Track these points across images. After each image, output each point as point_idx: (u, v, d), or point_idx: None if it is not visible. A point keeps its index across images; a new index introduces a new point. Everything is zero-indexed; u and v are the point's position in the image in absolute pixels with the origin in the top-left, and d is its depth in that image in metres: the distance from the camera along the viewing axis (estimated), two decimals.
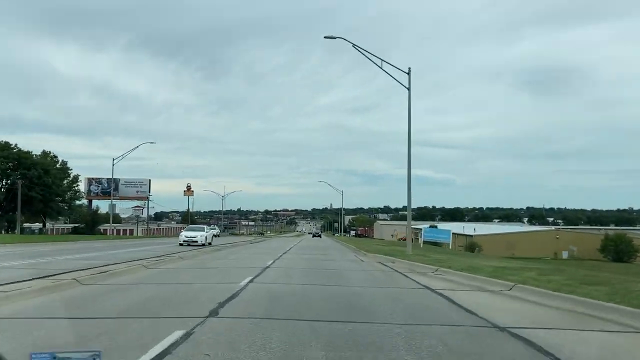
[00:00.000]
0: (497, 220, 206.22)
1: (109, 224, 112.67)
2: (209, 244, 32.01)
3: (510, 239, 79.71)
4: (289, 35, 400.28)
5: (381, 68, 22.15)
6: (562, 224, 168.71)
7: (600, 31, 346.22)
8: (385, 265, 17.71)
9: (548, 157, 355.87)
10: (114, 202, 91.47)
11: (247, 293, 9.26)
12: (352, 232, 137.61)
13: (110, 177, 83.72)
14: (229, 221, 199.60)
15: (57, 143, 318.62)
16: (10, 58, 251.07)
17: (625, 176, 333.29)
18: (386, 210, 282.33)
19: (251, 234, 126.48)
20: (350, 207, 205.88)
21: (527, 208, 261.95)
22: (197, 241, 29.85)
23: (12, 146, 65.48)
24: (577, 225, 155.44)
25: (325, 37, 22.28)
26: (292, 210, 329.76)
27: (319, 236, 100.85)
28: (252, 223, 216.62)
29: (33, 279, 10.15)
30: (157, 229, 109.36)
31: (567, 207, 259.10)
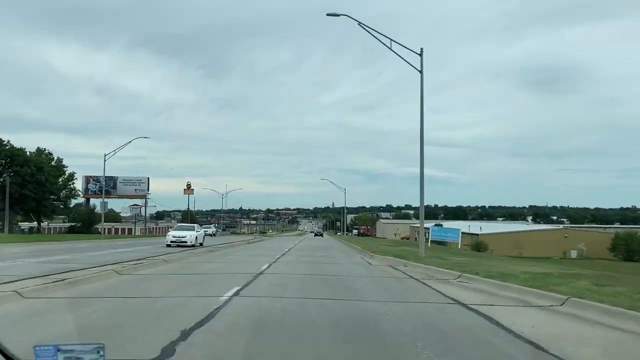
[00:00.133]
0: (500, 219, 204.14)
1: (105, 223, 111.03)
2: (200, 244, 29.53)
3: (517, 237, 77.63)
4: (291, 33, 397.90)
5: (390, 48, 19.90)
6: (567, 222, 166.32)
7: (601, 29, 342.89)
8: (397, 270, 15.44)
9: (550, 155, 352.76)
10: (113, 200, 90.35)
11: (225, 315, 7.00)
12: (355, 231, 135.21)
13: (109, 175, 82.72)
14: (231, 220, 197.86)
15: (58, 142, 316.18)
16: (11, 57, 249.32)
17: (628, 174, 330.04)
18: (388, 208, 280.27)
19: (252, 233, 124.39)
20: (353, 206, 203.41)
21: (530, 206, 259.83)
22: (186, 241, 27.29)
23: (4, 143, 63.36)
24: (582, 223, 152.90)
25: (327, 15, 20.03)
26: (294, 209, 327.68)
27: (321, 235, 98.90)
28: (254, 222, 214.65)
29: None
30: (155, 227, 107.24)
31: (569, 206, 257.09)
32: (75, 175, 76.16)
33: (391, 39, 19.96)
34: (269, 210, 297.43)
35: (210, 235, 62.56)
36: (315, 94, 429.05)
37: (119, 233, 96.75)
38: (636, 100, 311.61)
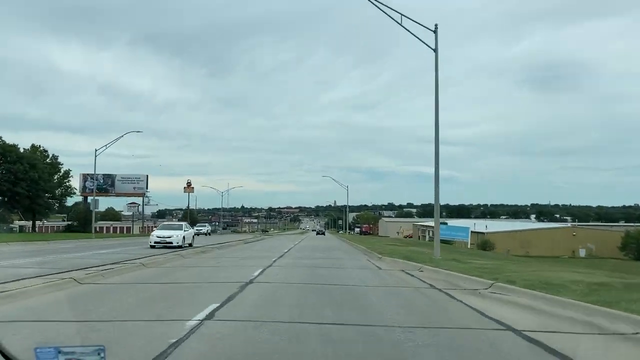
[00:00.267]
0: (504, 217, 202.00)
1: (105, 222, 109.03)
2: (190, 245, 26.89)
3: (524, 236, 75.43)
4: (293, 32, 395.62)
5: (400, 24, 17.57)
6: (570, 220, 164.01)
7: (605, 27, 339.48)
8: (413, 277, 13.12)
9: (552, 153, 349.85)
10: (113, 198, 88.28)
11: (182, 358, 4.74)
12: (357, 230, 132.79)
13: (107, 173, 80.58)
14: (233, 218, 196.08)
15: (61, 141, 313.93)
16: (13, 57, 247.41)
17: (630, 172, 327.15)
18: (390, 207, 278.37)
19: (253, 232, 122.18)
20: (354, 204, 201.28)
21: (532, 204, 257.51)
22: (171, 242, 24.62)
23: None
24: (586, 221, 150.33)
25: None
26: (295, 208, 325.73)
27: (323, 234, 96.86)
28: (256, 220, 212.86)
29: None
30: (153, 226, 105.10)
31: (572, 204, 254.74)
32: (71, 172, 74.60)
33: (402, 14, 17.67)
34: (270, 209, 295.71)
35: (205, 234, 60.33)
36: (317, 93, 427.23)
37: (118, 232, 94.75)
38: (638, 98, 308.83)
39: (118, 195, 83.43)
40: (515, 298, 9.03)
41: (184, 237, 25.67)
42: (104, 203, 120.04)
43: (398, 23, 17.59)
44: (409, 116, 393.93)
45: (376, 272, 14.63)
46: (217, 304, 7.67)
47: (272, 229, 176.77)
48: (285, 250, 26.10)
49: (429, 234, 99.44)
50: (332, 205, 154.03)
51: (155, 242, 24.86)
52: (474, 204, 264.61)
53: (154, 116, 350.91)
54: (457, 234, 42.91)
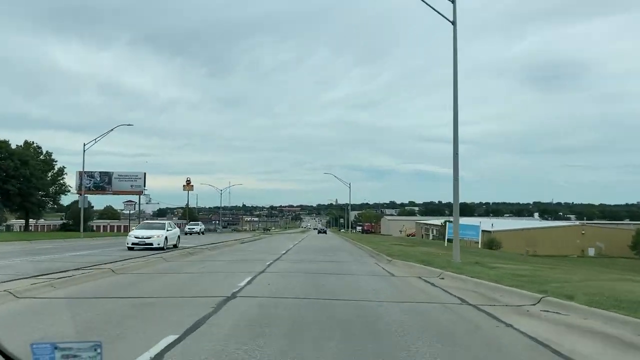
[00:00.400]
0: (507, 215, 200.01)
1: (101, 220, 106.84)
2: (174, 246, 24.22)
3: (530, 234, 73.31)
4: (293, 32, 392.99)
5: None
6: (574, 218, 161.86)
7: (606, 25, 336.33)
8: (434, 286, 10.77)
9: (554, 152, 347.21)
10: (110, 196, 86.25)
11: None
12: (358, 228, 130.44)
13: (105, 170, 78.41)
14: (233, 217, 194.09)
15: (60, 140, 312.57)
16: (14, 56, 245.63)
17: (632, 171, 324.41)
18: (392, 205, 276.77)
19: (254, 230, 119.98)
20: (356, 203, 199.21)
21: (534, 203, 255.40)
22: (151, 243, 22.01)
23: None
24: (591, 219, 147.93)
25: None
26: (297, 206, 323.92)
27: (325, 232, 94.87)
28: (257, 219, 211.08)
29: None
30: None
31: (574, 202, 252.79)
32: (65, 170, 72.62)
33: None
34: (272, 207, 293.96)
35: (198, 233, 58.08)
36: (319, 92, 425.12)
37: (115, 230, 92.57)
38: (638, 97, 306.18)
39: (115, 193, 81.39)
40: (581, 321, 6.72)
41: (166, 238, 22.91)
42: (101, 201, 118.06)
43: None
44: (409, 115, 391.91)
45: (389, 280, 12.23)
46: (174, 337, 5.35)
47: (273, 228, 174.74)
48: (283, 252, 23.70)
49: (432, 233, 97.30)
50: (334, 203, 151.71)
51: (133, 244, 22.25)
52: (476, 202, 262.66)
53: (155, 116, 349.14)
54: (466, 233, 40.26)
